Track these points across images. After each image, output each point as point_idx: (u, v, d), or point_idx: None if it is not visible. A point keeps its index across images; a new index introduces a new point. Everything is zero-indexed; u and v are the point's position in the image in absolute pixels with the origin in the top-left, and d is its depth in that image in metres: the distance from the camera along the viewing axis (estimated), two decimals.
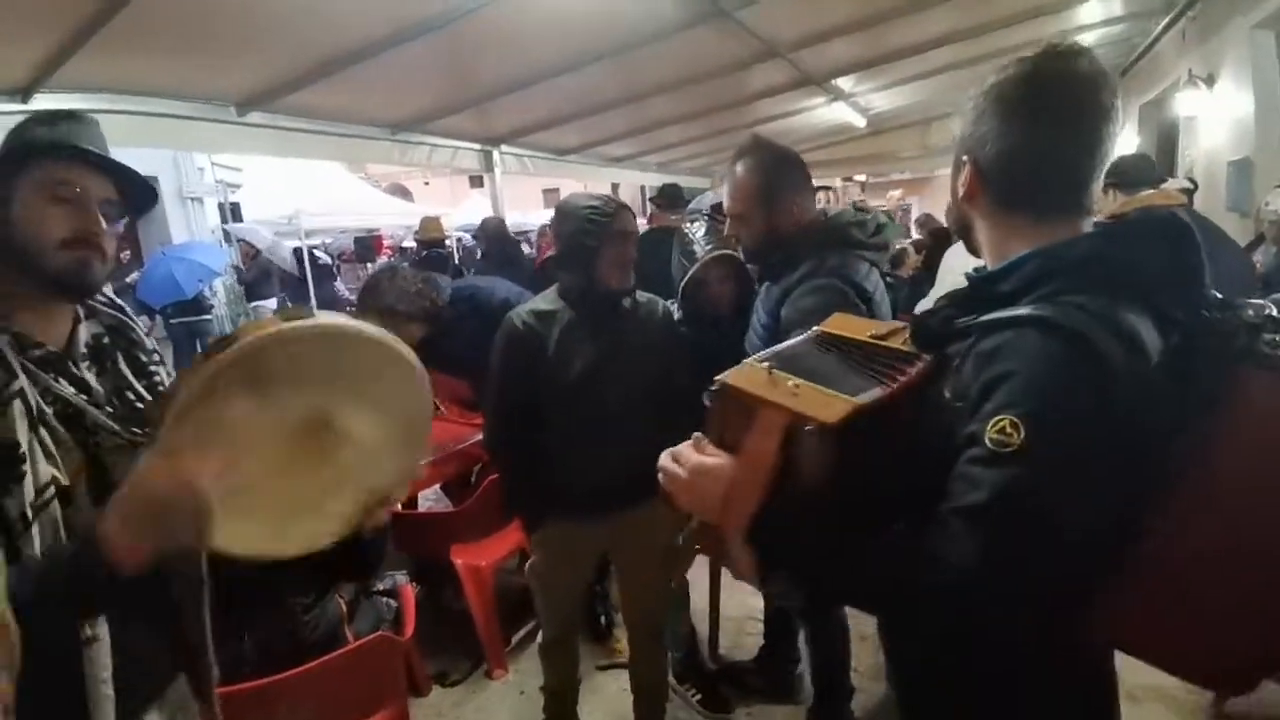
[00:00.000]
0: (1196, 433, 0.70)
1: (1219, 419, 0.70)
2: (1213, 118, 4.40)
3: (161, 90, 2.74)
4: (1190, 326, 0.75)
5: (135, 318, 1.08)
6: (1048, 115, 0.78)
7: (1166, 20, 4.85)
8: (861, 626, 2.06)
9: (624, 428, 1.68)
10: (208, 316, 7.86)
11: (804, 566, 0.78)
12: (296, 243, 9.44)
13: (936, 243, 4.36)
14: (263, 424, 0.85)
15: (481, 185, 12.56)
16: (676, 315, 1.98)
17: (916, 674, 0.92)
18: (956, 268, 3.02)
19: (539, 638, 1.94)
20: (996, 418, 0.68)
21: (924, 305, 2.93)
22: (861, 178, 10.55)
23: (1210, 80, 4.27)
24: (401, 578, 2.01)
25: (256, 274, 8.36)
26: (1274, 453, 0.68)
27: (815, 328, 0.94)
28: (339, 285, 10.76)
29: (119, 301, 1.08)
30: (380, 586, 1.94)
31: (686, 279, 1.96)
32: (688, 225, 2.06)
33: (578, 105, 4.17)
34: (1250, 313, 0.74)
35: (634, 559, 1.89)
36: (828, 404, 0.75)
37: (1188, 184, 3.15)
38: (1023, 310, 0.74)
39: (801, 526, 0.75)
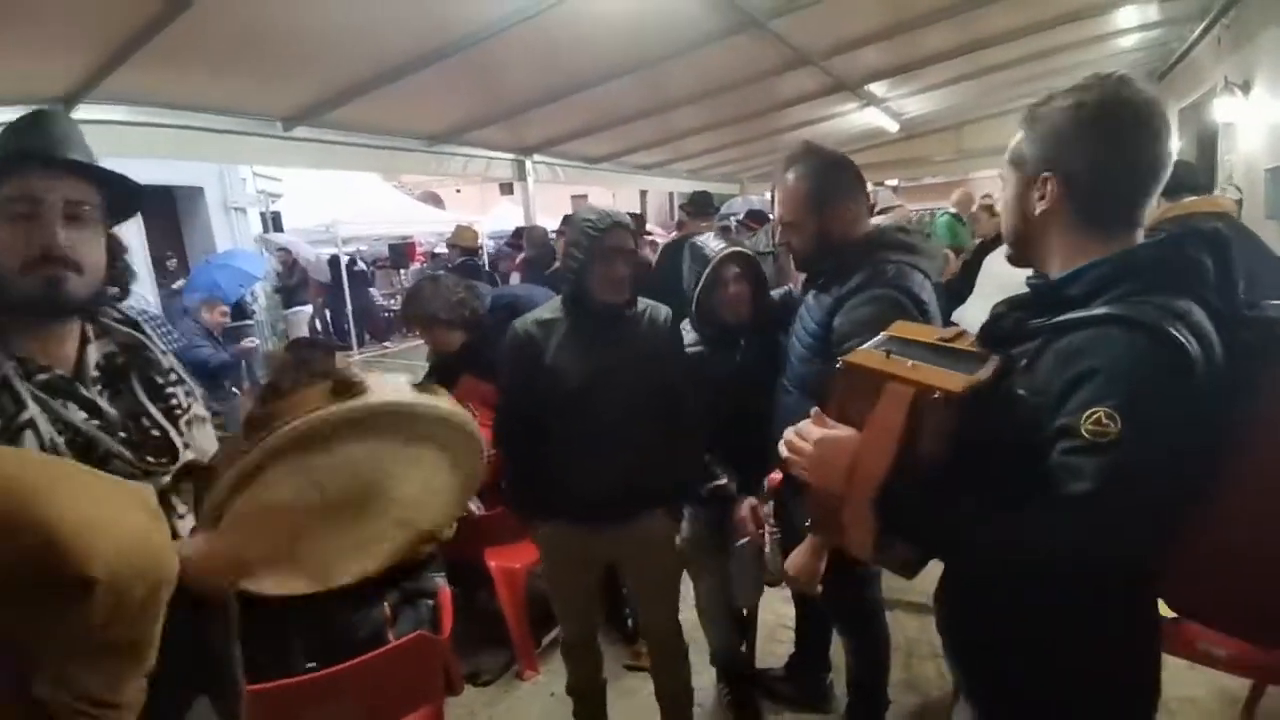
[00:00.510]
0: (1243, 416, 0.79)
1: (1261, 404, 0.79)
2: (1249, 124, 4.28)
3: (209, 105, 2.84)
4: (1232, 322, 0.82)
5: (153, 334, 1.02)
6: (1134, 138, 0.85)
7: (1202, 26, 4.74)
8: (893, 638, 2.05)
9: (622, 438, 1.69)
10: (249, 321, 8.16)
11: (924, 531, 0.85)
12: (333, 250, 9.72)
13: (979, 250, 4.28)
14: (310, 501, 0.87)
15: (511, 192, 12.72)
16: (690, 334, 1.95)
17: (986, 642, 0.97)
18: (998, 273, 2.97)
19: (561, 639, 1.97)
20: (1090, 410, 0.75)
21: (962, 311, 2.89)
22: (894, 182, 10.40)
23: (1246, 87, 4.17)
24: (440, 580, 2.06)
25: (296, 282, 8.67)
26: None
27: (883, 333, 0.98)
28: (374, 292, 11.01)
29: (134, 318, 1.01)
30: (418, 587, 1.99)
31: (700, 285, 1.88)
32: (700, 238, 2.00)
33: (608, 116, 4.22)
34: (1273, 312, 0.83)
35: (641, 569, 1.90)
36: (948, 378, 0.82)
37: (1237, 192, 3.06)
38: (1100, 310, 0.80)
39: (926, 494, 0.82)
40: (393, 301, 10.91)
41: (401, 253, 11.72)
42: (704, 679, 2.24)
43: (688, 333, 1.96)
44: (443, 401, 0.93)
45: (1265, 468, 0.77)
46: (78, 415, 0.86)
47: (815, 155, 1.62)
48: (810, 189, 1.58)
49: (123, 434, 0.89)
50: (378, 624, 1.79)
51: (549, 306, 1.80)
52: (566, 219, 1.84)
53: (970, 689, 1.02)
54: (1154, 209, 2.39)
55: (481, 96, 3.54)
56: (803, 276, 1.75)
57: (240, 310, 8.07)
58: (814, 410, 0.93)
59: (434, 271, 5.23)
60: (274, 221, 9.80)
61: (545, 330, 1.73)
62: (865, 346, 0.96)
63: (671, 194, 8.53)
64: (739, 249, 1.90)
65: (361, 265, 11.04)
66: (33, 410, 0.82)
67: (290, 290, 8.72)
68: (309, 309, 8.96)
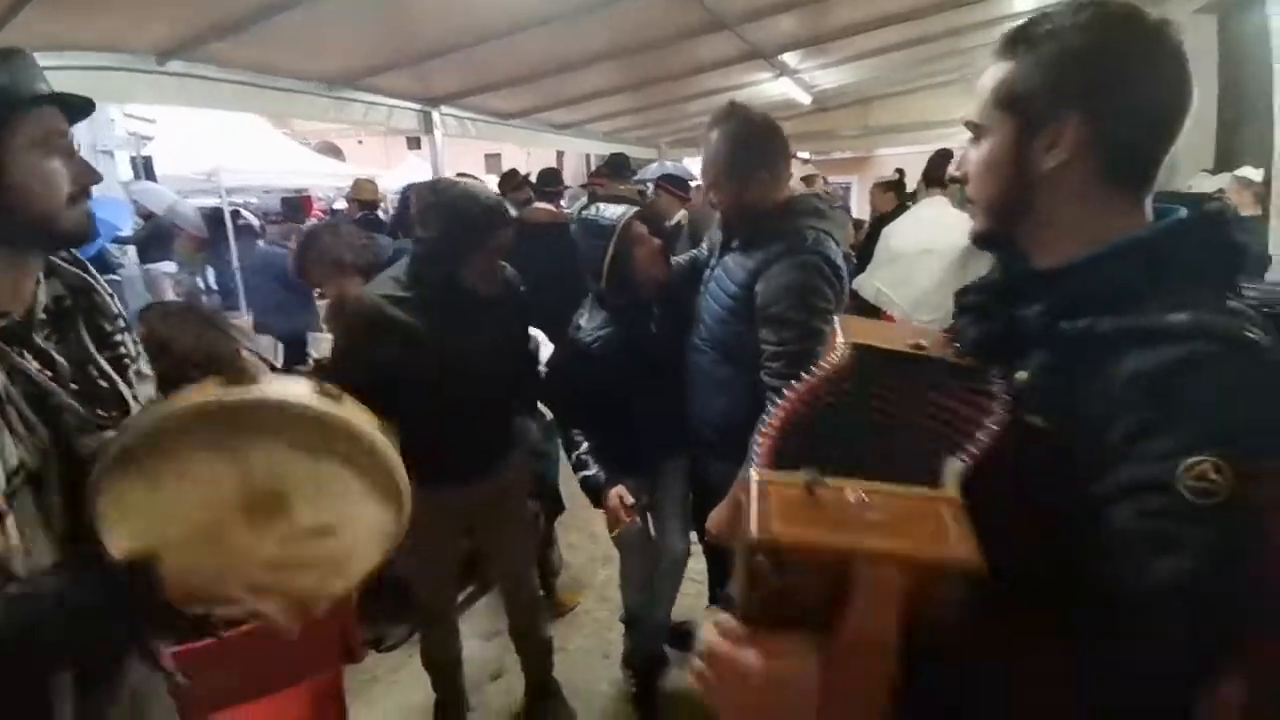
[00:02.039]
0: None
1: None
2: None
3: (78, 43, 2.55)
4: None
5: (99, 276, 0.96)
6: (1172, 68, 0.65)
7: None
8: None
9: (488, 399, 1.70)
10: (115, 277, 7.39)
11: None
12: (215, 201, 8.88)
13: (877, 222, 4.50)
14: (218, 493, 0.80)
15: (419, 147, 12.07)
16: (594, 318, 1.85)
17: None
18: (893, 246, 3.14)
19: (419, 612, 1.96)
20: (1191, 459, 0.54)
21: (860, 280, 3.02)
22: (805, 155, 10.70)
23: None
24: None
25: (148, 235, 7.81)
26: None
27: (841, 342, 0.72)
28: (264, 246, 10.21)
29: (81, 258, 0.95)
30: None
31: (609, 257, 1.74)
32: (586, 211, 1.86)
33: (521, 69, 4.06)
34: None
35: (498, 523, 1.92)
36: (931, 519, 0.53)
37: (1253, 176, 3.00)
38: (1183, 317, 0.59)
39: (954, 688, 0.54)
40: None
41: (296, 206, 10.81)
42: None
43: (589, 319, 1.86)
44: (354, 413, 0.83)
45: None
46: (32, 366, 0.81)
47: (740, 117, 1.62)
48: (733, 151, 1.59)
49: (74, 385, 0.84)
50: None
51: (395, 282, 1.65)
52: (439, 193, 1.62)
53: None
54: None
55: (384, 38, 3.30)
56: (718, 239, 1.79)
57: (103, 264, 7.29)
58: (721, 620, 0.58)
59: (328, 222, 4.88)
60: (145, 167, 8.82)
61: (407, 303, 1.60)
62: (762, 473, 0.57)
63: (588, 155, 8.37)
64: (634, 211, 1.88)
65: (252, 219, 10.16)
66: None
67: (144, 247, 7.86)
68: (170, 266, 8.13)
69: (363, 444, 0.84)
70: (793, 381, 0.70)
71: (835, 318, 0.81)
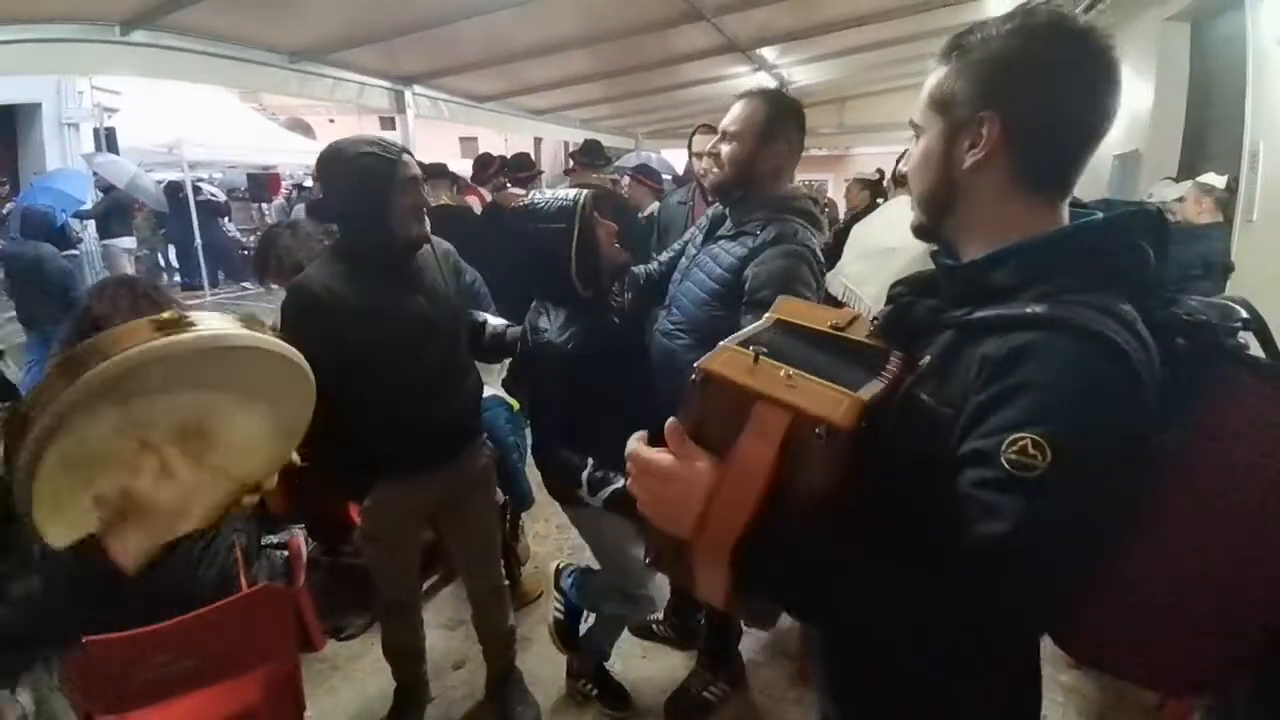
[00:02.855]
0: (1177, 439, 0.65)
1: (1199, 424, 0.66)
2: None
3: (41, 14, 2.47)
4: (1165, 326, 0.68)
5: None
6: (1090, 79, 0.68)
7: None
8: None
9: (440, 381, 1.67)
10: (75, 251, 7.13)
11: (792, 589, 0.66)
12: (177, 175, 8.60)
13: (850, 220, 4.54)
14: (132, 445, 0.81)
15: (393, 126, 11.82)
16: (554, 318, 1.68)
17: (866, 698, 0.83)
18: (859, 238, 3.17)
19: (381, 601, 1.92)
20: (1015, 435, 0.59)
21: (832, 276, 3.04)
22: None
23: None
24: (297, 531, 1.95)
25: (106, 209, 7.53)
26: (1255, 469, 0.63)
27: (769, 315, 0.84)
28: (229, 225, 9.90)
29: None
30: (273, 540, 1.87)
31: (574, 240, 1.61)
32: (531, 197, 1.72)
33: (495, 51, 4.00)
34: (1209, 315, 0.69)
35: (464, 510, 1.90)
36: (834, 400, 0.64)
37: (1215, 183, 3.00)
38: (1035, 308, 0.64)
39: (798, 546, 0.64)
40: (251, 239, 9.90)
41: (262, 184, 10.59)
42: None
43: (550, 319, 1.67)
44: (273, 337, 0.87)
45: (1201, 496, 0.64)
46: None
47: (782, 95, 1.74)
48: (770, 112, 1.65)
49: None
50: (227, 578, 1.67)
51: (334, 259, 1.59)
52: (329, 157, 1.53)
53: None
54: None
55: (354, 12, 3.22)
56: (705, 226, 1.80)
57: (65, 239, 7.02)
58: (669, 423, 0.71)
59: (285, 221, 4.76)
60: (108, 139, 8.50)
61: (344, 283, 1.54)
62: (736, 337, 0.76)
63: (567, 143, 8.30)
64: (593, 189, 1.84)
65: (216, 194, 9.87)
66: None
67: (102, 220, 7.59)
68: (130, 241, 7.86)
69: (287, 359, 0.89)
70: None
71: (779, 296, 0.90)
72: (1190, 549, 0.65)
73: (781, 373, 0.67)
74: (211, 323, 0.82)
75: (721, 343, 0.75)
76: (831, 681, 0.90)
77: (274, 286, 2.35)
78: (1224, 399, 0.65)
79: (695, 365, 0.71)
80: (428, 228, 1.61)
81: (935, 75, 0.74)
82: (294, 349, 0.89)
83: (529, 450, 2.33)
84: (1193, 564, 0.65)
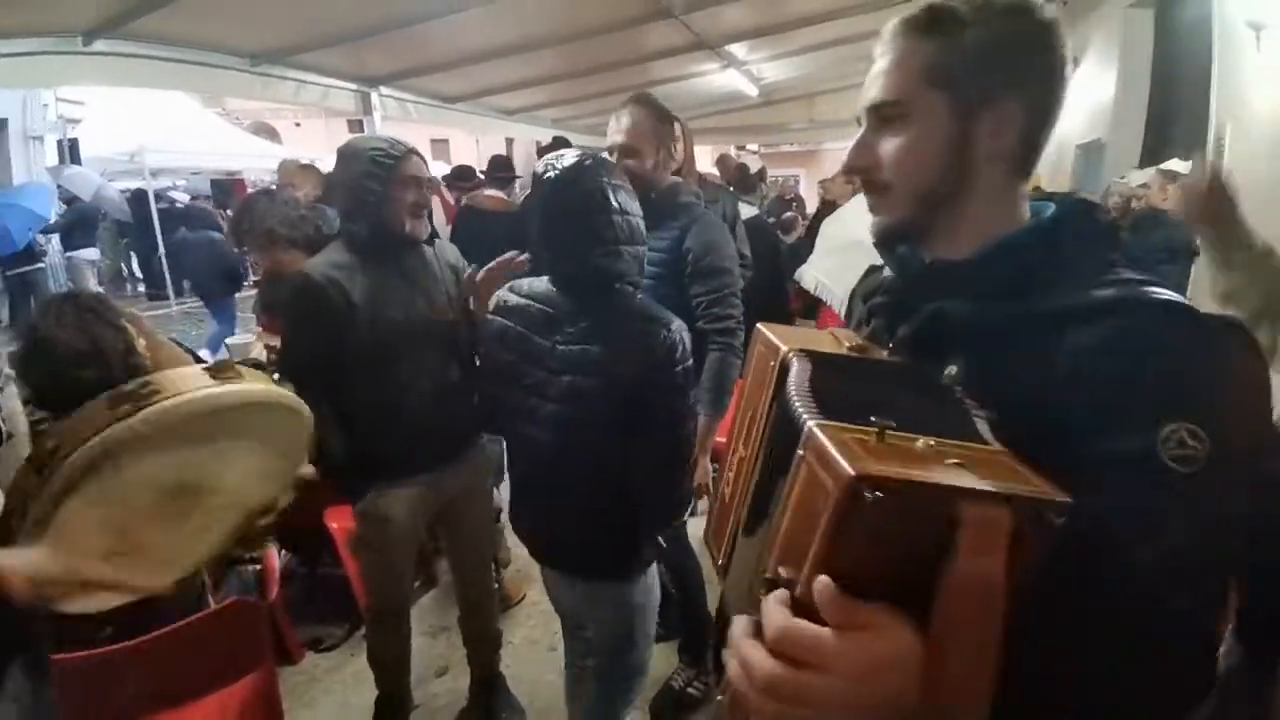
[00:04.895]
0: None
1: None
2: (1069, 101, 4.84)
3: (3, 29, 2.44)
4: None
5: None
6: (1062, 65, 0.66)
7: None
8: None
9: (439, 378, 1.67)
10: (40, 265, 6.95)
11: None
12: (139, 183, 8.39)
13: (818, 214, 4.58)
14: (122, 516, 0.78)
15: (361, 130, 11.66)
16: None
17: None
18: (830, 234, 3.21)
19: (369, 609, 1.88)
20: (1168, 426, 0.51)
21: (803, 270, 3.06)
22: (754, 147, 10.82)
23: (1075, 62, 4.62)
24: (268, 544, 1.91)
25: (70, 221, 7.36)
26: None
27: (787, 348, 0.64)
28: (186, 232, 9.68)
29: None
30: (243, 553, 1.83)
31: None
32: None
33: (464, 51, 3.97)
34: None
35: (463, 512, 1.89)
36: (1012, 469, 0.48)
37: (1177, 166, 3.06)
38: (1110, 293, 0.58)
39: (1060, 675, 0.49)
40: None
41: (227, 190, 10.37)
42: None
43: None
44: (250, 384, 0.82)
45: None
46: None
47: (654, 98, 1.89)
48: (655, 124, 1.84)
49: None
50: (196, 593, 1.63)
51: (333, 251, 1.63)
52: (341, 154, 1.63)
53: None
54: None
55: (317, 12, 3.17)
56: None
57: (30, 255, 6.84)
58: (820, 587, 0.45)
59: (264, 188, 4.65)
60: (71, 150, 8.28)
61: (347, 275, 1.57)
62: (824, 423, 0.50)
63: (538, 143, 8.26)
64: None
65: (181, 199, 9.63)
66: None
67: (66, 233, 7.38)
68: (93, 253, 7.67)
69: (269, 404, 0.86)
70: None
71: (759, 326, 0.73)
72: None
73: (920, 444, 0.49)
74: (187, 383, 0.77)
75: (807, 422, 0.50)
76: None
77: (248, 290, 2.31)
78: None
79: (840, 475, 0.44)
80: (427, 227, 1.65)
81: (917, 50, 0.65)
82: (273, 390, 0.86)
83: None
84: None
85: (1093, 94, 4.30)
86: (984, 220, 0.67)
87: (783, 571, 0.49)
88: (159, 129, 8.39)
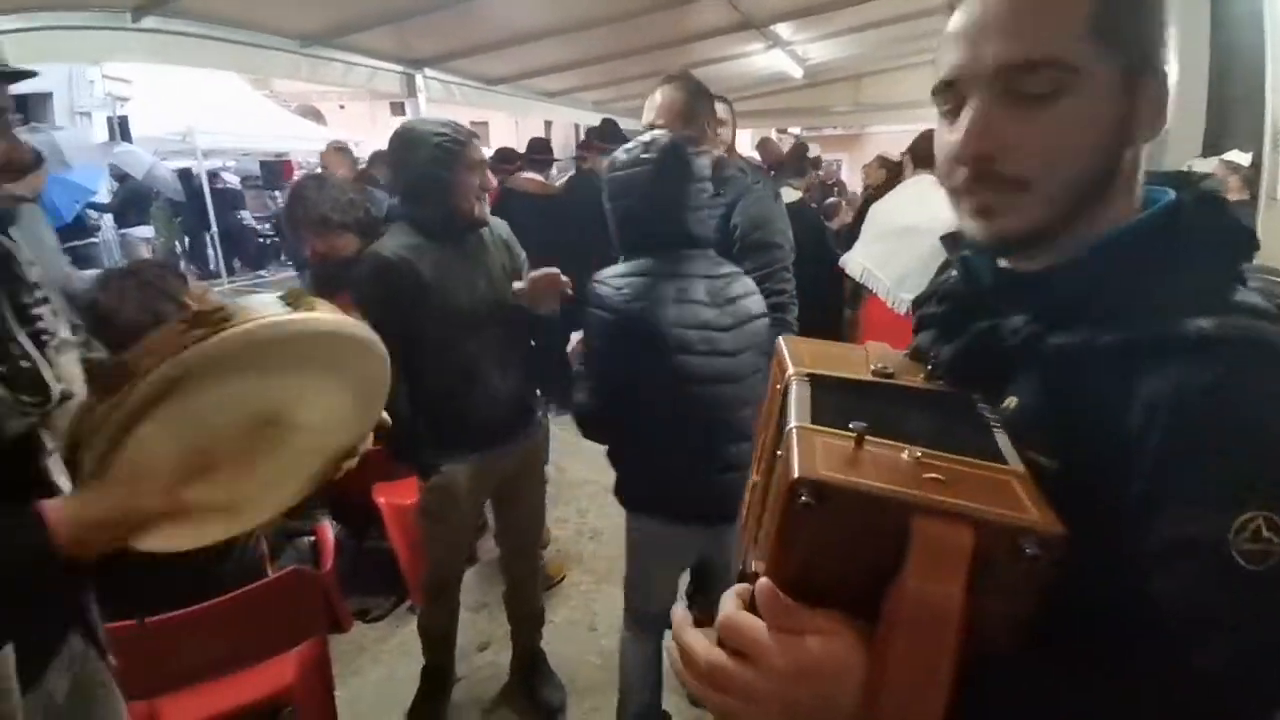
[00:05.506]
0: None
1: None
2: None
3: (51, 2, 2.46)
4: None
5: (15, 240, 0.88)
6: None
7: None
8: None
9: (505, 357, 1.71)
10: (94, 239, 7.19)
11: None
12: (190, 163, 8.63)
13: (866, 200, 4.46)
14: (197, 445, 0.77)
15: (403, 112, 11.77)
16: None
17: None
18: (881, 225, 3.13)
19: (425, 580, 1.91)
20: (1245, 515, 0.43)
21: (848, 256, 3.00)
22: (797, 130, 10.59)
23: None
24: (322, 517, 1.97)
25: (123, 200, 7.58)
26: None
27: (795, 370, 0.59)
28: (244, 214, 9.95)
29: None
30: (298, 526, 1.89)
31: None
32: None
33: (507, 32, 3.95)
34: None
35: (523, 489, 1.92)
36: (1008, 491, 0.44)
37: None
38: (1206, 325, 0.46)
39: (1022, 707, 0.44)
40: (267, 225, 9.94)
41: (275, 171, 10.62)
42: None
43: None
44: (324, 315, 0.80)
45: None
46: None
47: (692, 76, 1.87)
48: (689, 99, 1.79)
49: None
50: (255, 564, 1.69)
51: (400, 232, 1.67)
52: (402, 138, 1.62)
53: None
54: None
55: None
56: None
57: (81, 229, 7.07)
58: (761, 589, 0.46)
59: (312, 174, 4.74)
60: (121, 128, 8.54)
61: (416, 254, 1.61)
62: (799, 422, 0.49)
63: (577, 126, 8.22)
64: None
65: (233, 182, 9.89)
66: None
67: (120, 212, 7.57)
68: (147, 230, 7.92)
69: (342, 335, 0.83)
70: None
71: (780, 340, 0.66)
72: None
73: (904, 454, 0.45)
74: (262, 310, 0.76)
75: (791, 423, 0.49)
76: None
77: (290, 273, 2.35)
78: None
79: (787, 475, 0.44)
80: (487, 209, 1.69)
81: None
82: (347, 320, 0.84)
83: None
84: None
85: None
86: (1109, 220, 0.54)
87: (755, 567, 0.49)
88: (209, 109, 8.60)
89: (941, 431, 0.49)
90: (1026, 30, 0.49)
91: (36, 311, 0.85)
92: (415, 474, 1.81)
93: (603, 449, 1.58)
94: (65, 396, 0.84)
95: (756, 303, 1.55)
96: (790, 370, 0.59)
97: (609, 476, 1.59)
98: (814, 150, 7.33)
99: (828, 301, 3.45)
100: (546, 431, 1.98)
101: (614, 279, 1.45)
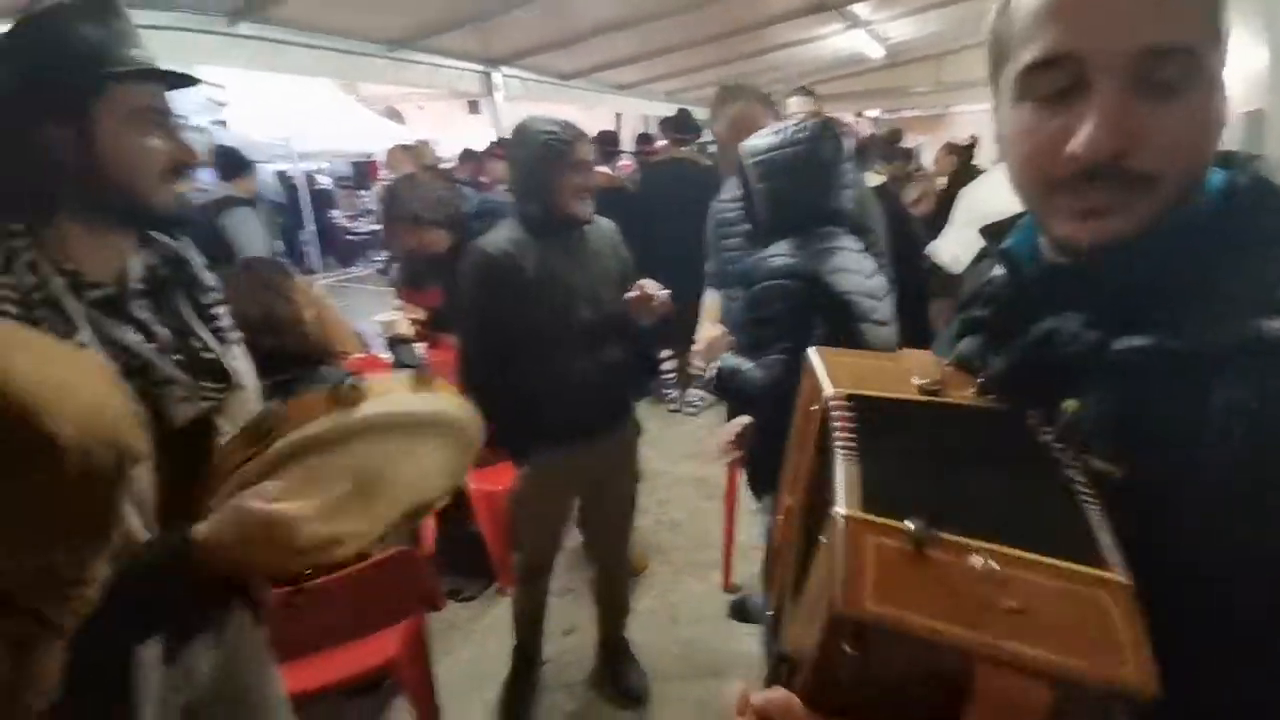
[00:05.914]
0: None
1: None
2: (1227, 66, 4.31)
3: (147, 1, 2.62)
4: None
5: (193, 246, 0.95)
6: None
7: None
8: None
9: (601, 352, 1.73)
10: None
11: None
12: (286, 166, 9.15)
13: (952, 183, 4.25)
14: (322, 486, 0.82)
15: (477, 111, 12.07)
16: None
17: None
18: (971, 212, 2.97)
19: (519, 563, 1.98)
20: None
21: (936, 244, 2.87)
22: (875, 113, 10.18)
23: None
24: None
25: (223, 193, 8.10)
26: None
27: (833, 390, 0.53)
28: (335, 213, 10.47)
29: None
30: None
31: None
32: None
33: (583, 25, 4.01)
34: None
35: (615, 483, 1.95)
36: (1099, 618, 0.37)
37: None
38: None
39: None
40: (356, 223, 10.47)
41: (364, 172, 11.17)
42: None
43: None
44: (444, 401, 0.89)
45: None
46: (132, 337, 0.80)
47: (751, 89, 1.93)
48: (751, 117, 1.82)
49: (176, 356, 0.83)
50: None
51: (507, 227, 1.72)
52: (516, 135, 1.70)
53: None
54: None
55: None
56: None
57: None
58: (774, 700, 0.44)
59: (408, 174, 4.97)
60: None
61: (520, 249, 1.67)
62: (845, 508, 0.42)
63: (646, 118, 8.24)
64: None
65: (328, 183, 10.47)
66: (84, 333, 0.75)
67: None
68: (248, 210, 8.43)
69: (445, 424, 0.91)
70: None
71: (808, 352, 0.60)
72: None
73: (975, 560, 0.38)
74: (382, 395, 0.83)
75: (840, 508, 0.42)
76: None
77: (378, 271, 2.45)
78: None
79: (833, 601, 0.38)
80: (591, 209, 1.72)
81: None
82: (462, 408, 0.92)
83: None
84: None
85: (1246, 63, 3.96)
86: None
87: (795, 655, 0.46)
88: (305, 114, 9.11)
89: (1018, 504, 0.44)
90: (1169, 11, 0.45)
91: (215, 310, 0.93)
92: (510, 460, 1.88)
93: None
94: (238, 386, 0.92)
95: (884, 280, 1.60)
96: (828, 390, 0.52)
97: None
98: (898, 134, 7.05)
99: (914, 293, 3.31)
100: (638, 427, 2.00)
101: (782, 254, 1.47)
